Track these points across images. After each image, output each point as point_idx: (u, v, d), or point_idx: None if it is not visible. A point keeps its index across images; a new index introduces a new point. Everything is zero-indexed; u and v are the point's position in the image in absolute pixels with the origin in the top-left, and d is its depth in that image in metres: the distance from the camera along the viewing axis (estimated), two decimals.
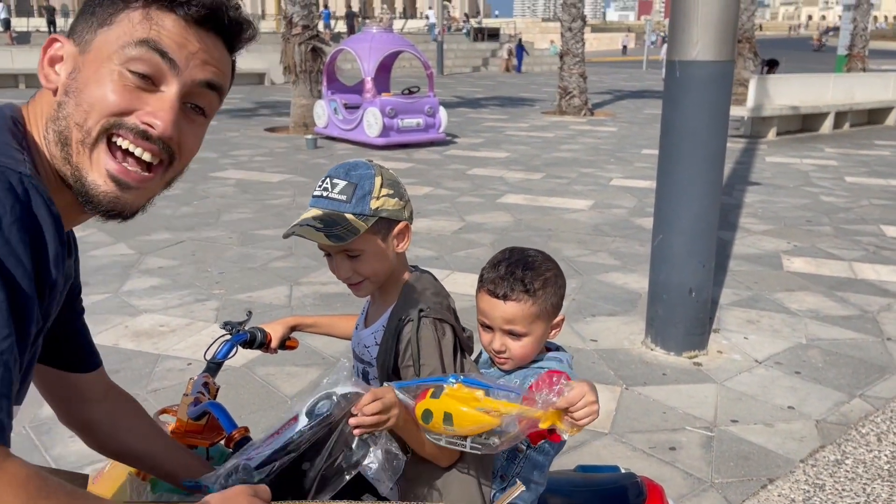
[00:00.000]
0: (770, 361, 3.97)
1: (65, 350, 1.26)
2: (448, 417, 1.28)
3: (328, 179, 1.48)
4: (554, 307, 1.55)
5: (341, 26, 38.68)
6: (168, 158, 1.00)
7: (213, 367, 1.81)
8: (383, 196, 1.47)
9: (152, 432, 1.44)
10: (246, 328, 1.89)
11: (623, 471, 1.97)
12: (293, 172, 9.30)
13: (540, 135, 13.30)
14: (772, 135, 13.10)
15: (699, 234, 3.84)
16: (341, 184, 1.46)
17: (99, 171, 0.96)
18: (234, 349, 1.83)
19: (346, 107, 11.68)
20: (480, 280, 1.56)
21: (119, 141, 0.95)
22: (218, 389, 1.73)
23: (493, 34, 40.64)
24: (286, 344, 1.96)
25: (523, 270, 1.51)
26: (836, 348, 4.14)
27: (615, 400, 3.51)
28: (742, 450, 3.11)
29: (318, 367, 3.76)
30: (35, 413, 3.26)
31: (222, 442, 1.60)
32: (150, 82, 0.96)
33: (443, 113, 11.72)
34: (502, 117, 16.07)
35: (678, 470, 2.96)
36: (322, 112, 12.01)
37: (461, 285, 4.74)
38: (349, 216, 1.43)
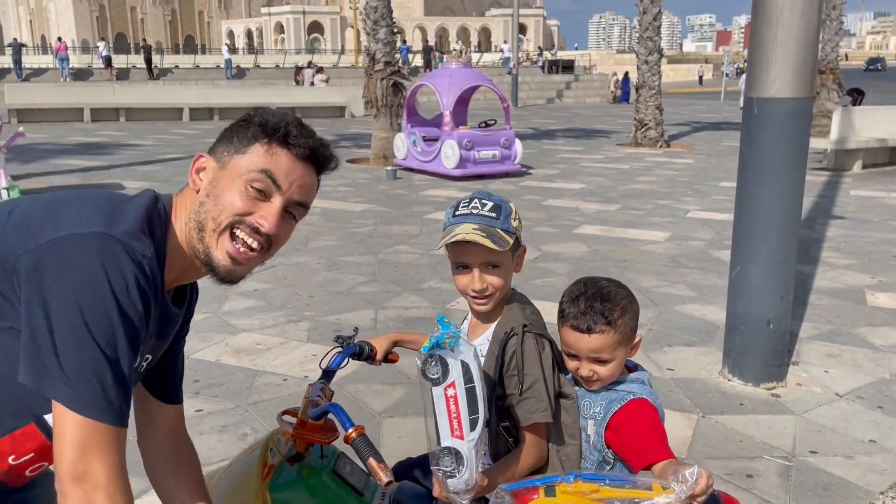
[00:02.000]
0: (851, 395, 3.97)
1: (157, 376, 1.57)
2: None
3: (476, 199, 1.71)
4: (632, 331, 1.71)
5: (418, 60, 39.65)
6: (268, 246, 1.38)
7: (328, 374, 2.02)
8: (517, 219, 1.72)
9: (191, 491, 1.65)
10: (355, 341, 2.11)
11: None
12: (374, 202, 9.66)
13: (615, 166, 13.35)
14: (857, 167, 12.77)
15: (777, 267, 3.90)
16: (489, 203, 1.69)
17: (222, 252, 1.35)
18: (346, 360, 2.05)
19: (425, 139, 12.05)
20: (562, 315, 1.71)
21: (238, 232, 1.35)
22: (333, 394, 1.94)
23: (568, 66, 40.88)
24: (389, 357, 2.17)
25: (602, 303, 1.66)
26: None
27: (691, 427, 3.59)
28: (821, 480, 3.15)
29: (404, 386, 3.97)
30: None
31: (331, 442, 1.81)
32: (264, 195, 1.35)
33: (518, 145, 11.95)
34: (577, 149, 16.18)
35: (755, 496, 3.02)
36: (402, 144, 12.42)
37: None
38: (500, 231, 1.66)
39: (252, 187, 1.33)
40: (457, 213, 1.72)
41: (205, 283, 1.52)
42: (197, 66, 36.14)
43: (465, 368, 1.47)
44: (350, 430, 1.64)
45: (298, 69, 31.91)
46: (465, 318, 1.95)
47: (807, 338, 4.79)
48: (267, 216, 1.34)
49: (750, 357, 4.02)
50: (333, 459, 1.90)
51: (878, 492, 3.06)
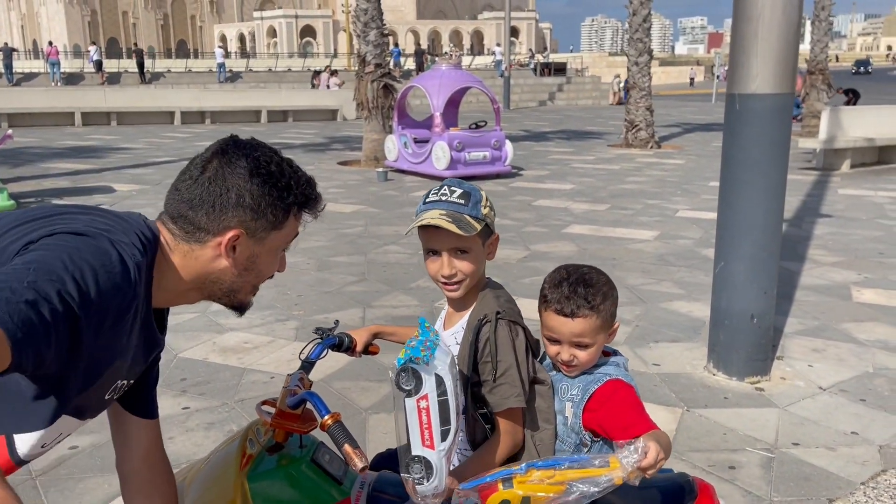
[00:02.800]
0: (835, 388, 4.00)
1: (132, 391, 1.54)
2: (526, 501, 1.44)
3: (445, 187, 1.75)
4: (612, 316, 1.75)
5: (410, 63, 39.71)
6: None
7: (307, 365, 2.04)
8: (487, 207, 1.74)
9: None
10: (335, 333, 2.13)
11: (675, 472, 2.11)
12: (365, 203, 9.68)
13: (605, 167, 13.40)
14: (846, 167, 12.85)
15: (761, 262, 3.93)
16: (458, 190, 1.72)
17: (251, 296, 1.49)
18: (325, 351, 2.07)
19: (416, 141, 12.08)
20: (545, 300, 1.75)
21: None
22: (311, 384, 1.96)
23: (560, 69, 40.95)
24: (369, 349, 2.19)
25: (585, 288, 1.70)
26: None
27: (676, 421, 3.61)
28: (803, 471, 3.17)
29: (390, 383, 3.98)
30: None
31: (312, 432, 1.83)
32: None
33: (509, 146, 11.98)
34: (568, 150, 16.23)
35: (737, 488, 3.04)
36: (393, 146, 12.44)
37: (526, 310, 4.90)
38: (468, 217, 1.69)
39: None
40: (427, 200, 1.76)
41: None
42: (189, 70, 36.11)
43: (439, 381, 1.47)
44: (326, 417, 1.65)
45: (316, 73, 32.39)
46: (444, 309, 1.97)
47: (792, 333, 4.83)
48: (283, 263, 1.48)
49: (734, 351, 4.05)
50: (312, 449, 1.91)
51: (858, 482, 3.08)
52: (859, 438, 3.46)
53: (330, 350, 2.10)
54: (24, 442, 1.31)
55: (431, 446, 1.49)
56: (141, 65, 31.96)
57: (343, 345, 2.12)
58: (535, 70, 40.33)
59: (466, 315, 1.80)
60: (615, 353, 1.86)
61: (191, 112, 23.47)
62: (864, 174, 12.53)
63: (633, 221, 8.51)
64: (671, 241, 7.53)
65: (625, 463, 1.40)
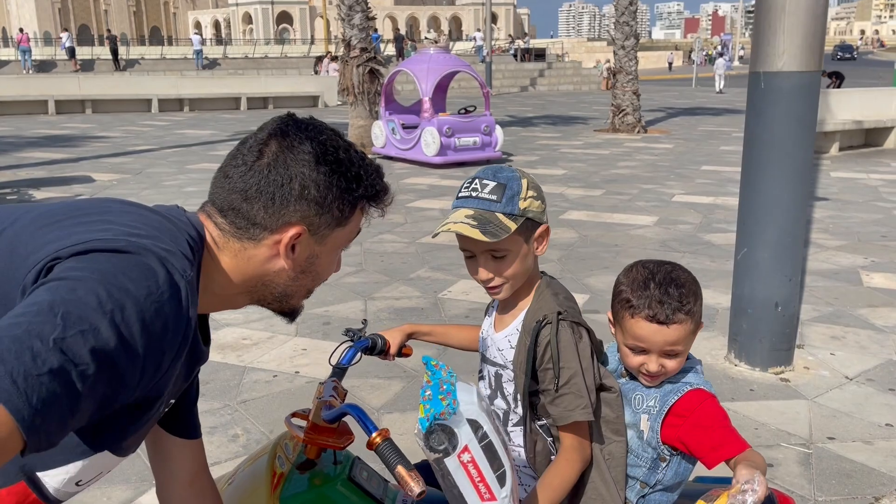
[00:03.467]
0: (861, 378, 3.86)
1: (173, 409, 1.34)
2: None
3: (476, 180, 1.51)
4: (701, 316, 1.53)
5: (390, 49, 39.26)
6: None
7: (339, 371, 1.83)
8: (529, 197, 1.49)
9: None
10: (366, 335, 1.92)
11: None
12: None
13: (595, 152, 13.24)
14: (834, 150, 12.80)
15: (785, 248, 3.77)
16: (491, 184, 1.48)
17: (303, 300, 1.30)
18: (358, 355, 1.86)
19: (404, 127, 11.83)
20: (629, 305, 1.50)
21: None
22: (346, 393, 1.75)
23: (540, 54, 40.75)
24: (402, 351, 1.99)
25: (677, 288, 1.47)
26: None
27: None
28: (843, 468, 3.03)
29: (401, 380, 3.79)
30: None
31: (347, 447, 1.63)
32: None
33: (499, 131, 11.77)
34: (555, 135, 16.05)
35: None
36: (380, 132, 12.18)
37: None
38: (500, 215, 1.46)
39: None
40: (458, 194, 1.54)
41: None
42: (164, 58, 35.40)
43: (475, 425, 1.30)
44: (374, 435, 1.44)
45: (318, 59, 32.52)
46: (490, 305, 1.76)
47: (808, 320, 4.69)
48: (339, 263, 1.30)
49: (758, 341, 3.89)
50: (348, 465, 1.71)
51: None
52: (895, 431, 3.32)
53: (363, 354, 1.89)
54: (52, 477, 1.10)
55: (492, 497, 1.31)
56: (115, 52, 31.27)
57: (376, 347, 1.91)
58: (515, 56, 40.07)
59: (521, 315, 1.58)
60: (689, 356, 1.67)
61: (168, 99, 22.96)
62: (853, 157, 12.49)
63: (630, 207, 8.35)
64: (671, 226, 7.39)
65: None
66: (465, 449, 1.28)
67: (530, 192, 1.50)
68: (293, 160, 1.11)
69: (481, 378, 1.71)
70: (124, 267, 0.93)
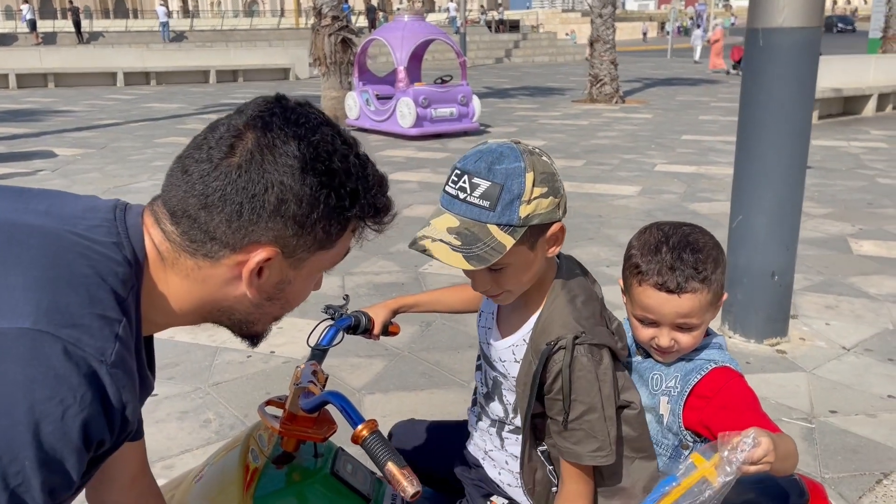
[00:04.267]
0: (859, 348, 3.74)
1: None
2: None
3: (466, 177, 1.19)
4: (722, 287, 1.34)
5: (362, 21, 38.57)
6: None
7: (319, 353, 1.64)
8: (536, 198, 1.18)
9: None
10: (348, 312, 1.72)
11: None
12: None
13: (574, 122, 13.04)
14: (814, 118, 12.72)
15: (783, 215, 3.61)
16: (483, 185, 1.17)
17: (269, 326, 1.06)
18: (340, 335, 1.66)
19: (378, 98, 11.51)
20: (638, 271, 1.31)
21: None
22: (327, 378, 1.55)
23: (514, 25, 40.31)
24: (389, 329, 1.79)
25: (692, 253, 1.29)
26: None
27: None
28: (848, 443, 2.90)
29: (382, 359, 3.60)
30: None
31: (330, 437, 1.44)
32: None
33: (476, 102, 11.50)
34: (532, 106, 15.82)
35: None
36: (354, 104, 11.86)
37: None
38: (492, 228, 1.17)
39: None
40: (445, 189, 1.24)
41: None
42: (128, 30, 34.43)
43: None
44: (360, 427, 1.24)
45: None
46: (491, 307, 1.47)
47: (800, 289, 4.56)
48: (320, 281, 1.06)
49: (753, 312, 3.75)
50: (330, 458, 1.52)
51: None
52: None
53: (345, 333, 1.69)
54: None
55: None
56: (77, 24, 30.30)
57: (360, 326, 1.71)
58: (489, 27, 39.60)
59: (530, 323, 1.32)
60: (709, 332, 1.48)
61: (134, 73, 22.29)
62: (832, 125, 12.44)
63: (612, 177, 8.18)
64: (655, 196, 7.23)
65: (728, 458, 1.05)
66: None
67: (537, 191, 1.18)
68: (272, 164, 0.87)
69: (478, 369, 1.50)
70: (27, 380, 0.74)
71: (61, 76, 21.54)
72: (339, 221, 0.93)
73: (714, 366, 1.36)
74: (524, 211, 1.17)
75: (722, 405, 1.32)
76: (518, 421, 1.37)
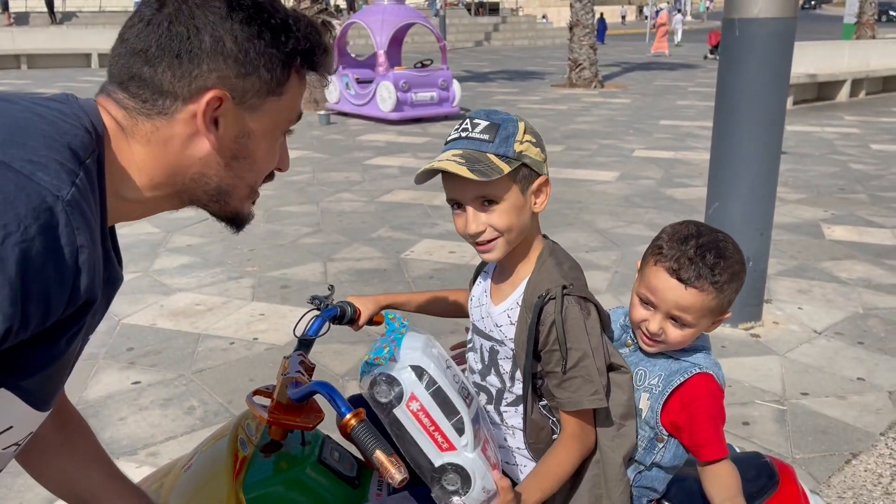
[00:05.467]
0: (830, 332, 3.84)
1: None
2: None
3: (468, 120, 1.34)
4: (730, 303, 1.39)
5: (340, 2, 38.18)
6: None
7: (305, 344, 1.66)
8: (527, 142, 1.32)
9: (99, 467, 1.31)
10: (334, 302, 1.75)
11: (738, 450, 1.84)
12: (309, 149, 9.12)
13: (553, 107, 13.08)
14: (789, 104, 12.87)
15: (758, 201, 3.69)
16: (483, 123, 1.32)
17: (249, 206, 1.06)
18: (326, 325, 1.69)
19: (359, 81, 11.47)
20: (659, 252, 1.37)
21: None
22: (314, 368, 1.59)
23: (494, 8, 40.17)
24: (374, 319, 1.82)
25: (715, 257, 1.33)
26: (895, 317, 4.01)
27: None
28: (818, 423, 2.99)
29: (365, 345, 3.63)
30: (80, 395, 3.13)
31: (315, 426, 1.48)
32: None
33: (456, 86, 11.49)
34: (512, 90, 15.83)
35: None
36: (333, 87, 11.79)
37: None
38: (492, 156, 1.29)
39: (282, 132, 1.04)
40: (448, 139, 1.37)
41: (129, 241, 1.13)
42: (102, 10, 33.81)
43: (419, 371, 1.19)
44: (348, 416, 1.28)
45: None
46: (482, 269, 1.56)
47: (774, 274, 4.66)
48: (285, 155, 1.06)
49: None
50: (318, 446, 1.56)
51: (877, 433, 2.92)
52: (867, 385, 3.30)
53: (331, 323, 1.72)
54: None
55: (451, 447, 1.21)
56: (50, 4, 29.71)
57: (345, 316, 1.73)
58: (469, 10, 39.41)
59: (522, 286, 1.40)
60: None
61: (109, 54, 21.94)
62: (806, 110, 12.59)
63: (591, 162, 8.24)
64: (633, 181, 7.31)
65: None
66: (413, 397, 1.19)
67: (528, 137, 1.33)
68: (199, 7, 0.90)
69: (472, 350, 1.54)
70: None
71: (34, 57, 21.15)
72: (278, 59, 0.94)
73: (698, 371, 1.39)
74: (518, 147, 1.31)
75: (692, 414, 1.36)
76: (517, 388, 1.42)
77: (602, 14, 36.83)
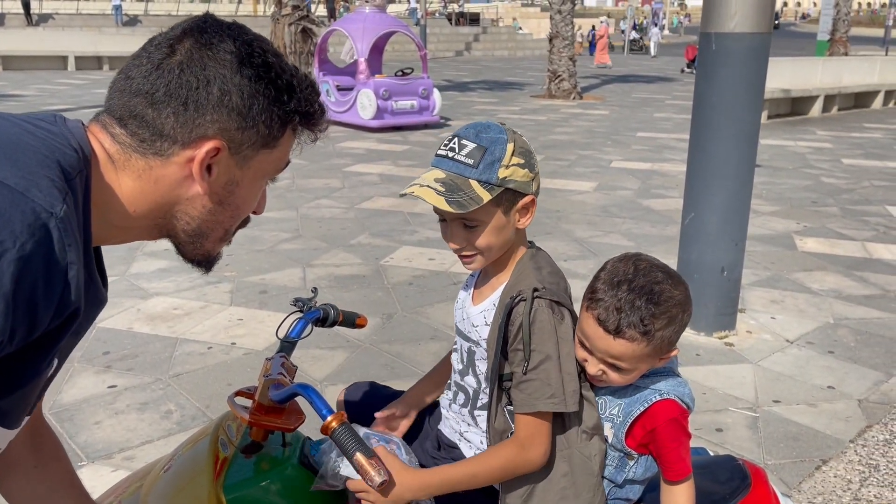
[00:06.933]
0: (801, 341, 3.91)
1: None
2: None
3: (456, 139, 1.35)
4: (669, 344, 1.34)
5: (321, 10, 38.17)
6: None
7: (288, 346, 1.67)
8: (513, 165, 1.33)
9: (68, 488, 1.33)
10: (317, 305, 1.76)
11: (712, 454, 1.88)
12: None
13: (532, 118, 13.18)
14: (763, 118, 13.08)
15: (733, 212, 3.76)
16: (470, 146, 1.33)
17: (220, 248, 1.09)
18: (309, 328, 1.70)
19: (339, 89, 11.47)
20: (591, 296, 1.33)
21: None
22: (296, 370, 1.60)
23: (474, 19, 40.38)
24: (356, 322, 1.84)
25: (647, 303, 1.28)
26: (865, 328, 4.09)
27: None
28: (790, 430, 3.05)
29: (344, 350, 3.63)
30: (55, 399, 3.10)
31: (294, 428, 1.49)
32: None
33: (437, 95, 11.55)
34: (492, 101, 15.92)
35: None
36: None
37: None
38: (473, 183, 1.31)
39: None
40: (437, 153, 1.39)
41: (105, 244, 1.14)
42: (80, 13, 33.48)
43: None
44: (329, 418, 1.30)
45: None
46: (470, 275, 1.60)
47: (748, 284, 4.74)
48: (263, 200, 1.09)
49: (703, 306, 3.89)
50: (298, 447, 1.57)
51: (847, 440, 2.98)
52: (837, 393, 3.37)
53: (314, 326, 1.73)
54: None
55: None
56: (27, 5, 29.34)
57: (328, 318, 1.75)
58: (450, 19, 39.59)
59: (500, 290, 1.43)
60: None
61: (86, 57, 21.73)
62: (780, 125, 12.80)
63: (569, 172, 8.32)
64: (611, 192, 7.39)
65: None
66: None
67: (515, 160, 1.33)
68: (211, 59, 0.92)
69: (454, 351, 1.57)
70: None
71: (10, 59, 20.89)
72: (279, 116, 0.97)
73: (658, 398, 1.36)
74: (502, 173, 1.32)
75: (654, 439, 1.36)
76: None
77: (594, 26, 37.52)
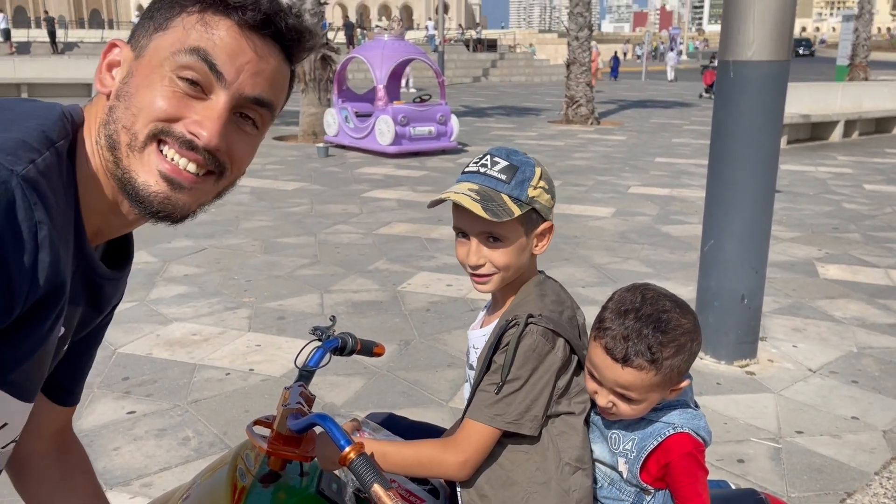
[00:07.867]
0: (824, 370, 3.86)
1: (59, 370, 1.10)
2: None
3: (488, 157, 1.39)
4: (680, 374, 1.32)
5: (340, 38, 38.68)
6: (218, 169, 0.96)
7: (306, 375, 1.67)
8: (540, 188, 1.37)
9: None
10: (335, 333, 1.77)
11: (734, 486, 1.85)
12: (307, 180, 9.18)
13: (549, 143, 13.22)
14: (783, 143, 13.02)
15: (753, 239, 3.73)
16: (502, 163, 1.36)
17: (150, 172, 0.92)
18: (328, 357, 1.71)
19: (358, 115, 11.58)
20: (599, 325, 1.33)
21: (165, 150, 0.92)
22: (314, 399, 1.60)
23: (492, 45, 40.74)
24: (374, 350, 1.84)
25: (654, 332, 1.27)
26: (889, 357, 4.03)
27: None
28: (813, 462, 2.99)
29: (361, 377, 3.63)
30: (74, 424, 3.12)
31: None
32: (200, 90, 0.92)
33: (454, 121, 11.62)
34: (509, 126, 16.00)
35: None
36: (333, 120, 11.91)
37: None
38: (505, 197, 1.33)
39: (180, 77, 0.90)
40: (465, 169, 1.42)
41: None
42: (104, 41, 34.19)
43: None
44: (347, 449, 1.29)
45: None
46: (486, 305, 1.60)
47: (769, 312, 4.68)
48: (203, 121, 0.91)
49: (724, 334, 3.85)
50: (316, 477, 1.56)
51: (872, 472, 2.92)
52: (861, 424, 3.31)
53: (332, 354, 1.73)
54: None
55: None
56: (52, 34, 30.06)
57: (346, 347, 1.75)
58: (467, 46, 39.97)
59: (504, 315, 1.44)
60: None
61: None
62: (800, 150, 12.73)
63: (587, 198, 8.31)
64: (629, 217, 7.37)
65: None
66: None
67: (542, 183, 1.37)
68: None
69: (467, 381, 1.57)
70: None
71: (35, 86, 21.32)
72: (167, 2, 0.94)
73: (672, 432, 1.34)
74: (531, 192, 1.36)
75: (669, 473, 1.35)
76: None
77: (616, 52, 37.87)
